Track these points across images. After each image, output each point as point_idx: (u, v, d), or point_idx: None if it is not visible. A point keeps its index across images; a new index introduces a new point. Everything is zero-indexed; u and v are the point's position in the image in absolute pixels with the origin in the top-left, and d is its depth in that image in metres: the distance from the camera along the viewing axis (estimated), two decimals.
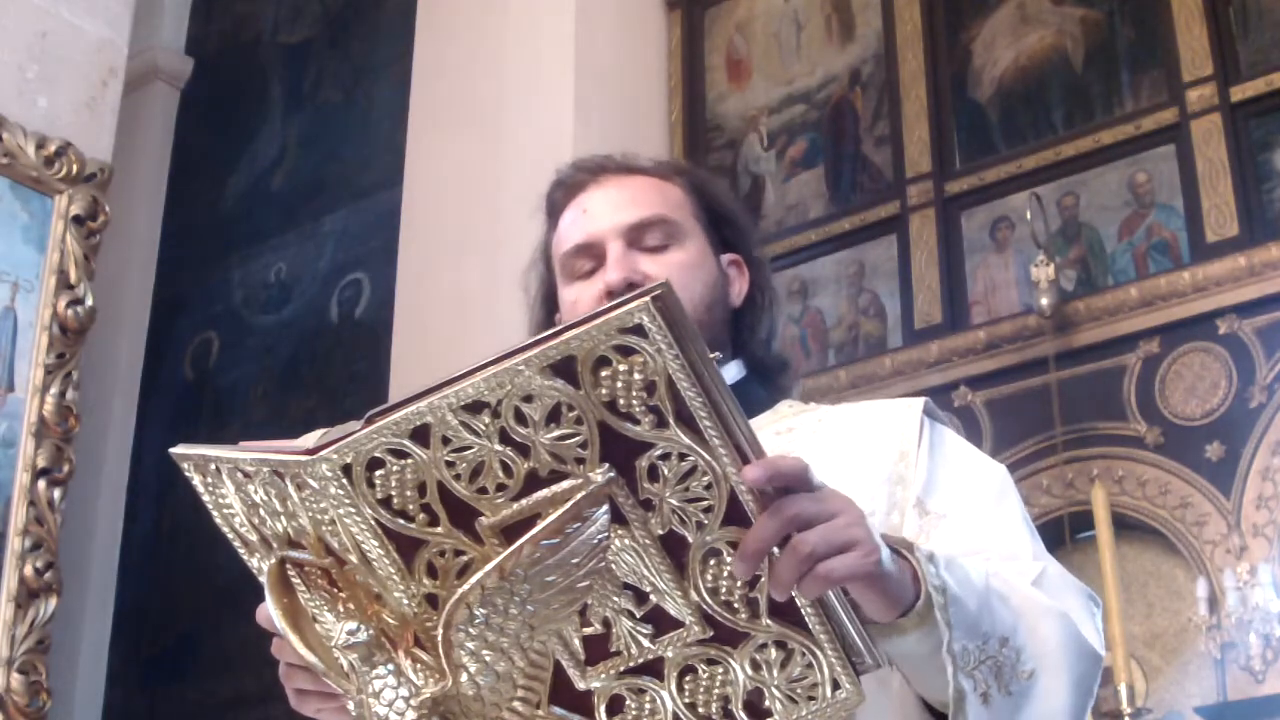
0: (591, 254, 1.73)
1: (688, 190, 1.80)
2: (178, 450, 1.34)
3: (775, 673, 1.28)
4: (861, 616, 1.29)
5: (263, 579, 1.31)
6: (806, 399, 1.85)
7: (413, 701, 1.24)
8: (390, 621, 1.26)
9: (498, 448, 1.19)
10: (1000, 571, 1.47)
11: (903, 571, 1.32)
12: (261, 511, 1.29)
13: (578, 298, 1.73)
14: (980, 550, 1.52)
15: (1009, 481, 1.66)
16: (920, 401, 1.70)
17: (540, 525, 1.18)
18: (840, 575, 1.23)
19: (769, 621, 1.26)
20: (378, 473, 1.20)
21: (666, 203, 1.76)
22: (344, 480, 1.20)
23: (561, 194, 1.81)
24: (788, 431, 1.71)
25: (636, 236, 1.72)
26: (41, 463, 4.02)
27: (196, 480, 1.34)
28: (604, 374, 1.16)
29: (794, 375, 1.88)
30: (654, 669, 1.29)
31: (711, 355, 1.19)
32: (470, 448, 1.19)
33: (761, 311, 1.82)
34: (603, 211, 1.74)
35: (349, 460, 1.20)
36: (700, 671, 1.29)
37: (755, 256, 1.85)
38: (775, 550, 1.22)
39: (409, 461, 1.20)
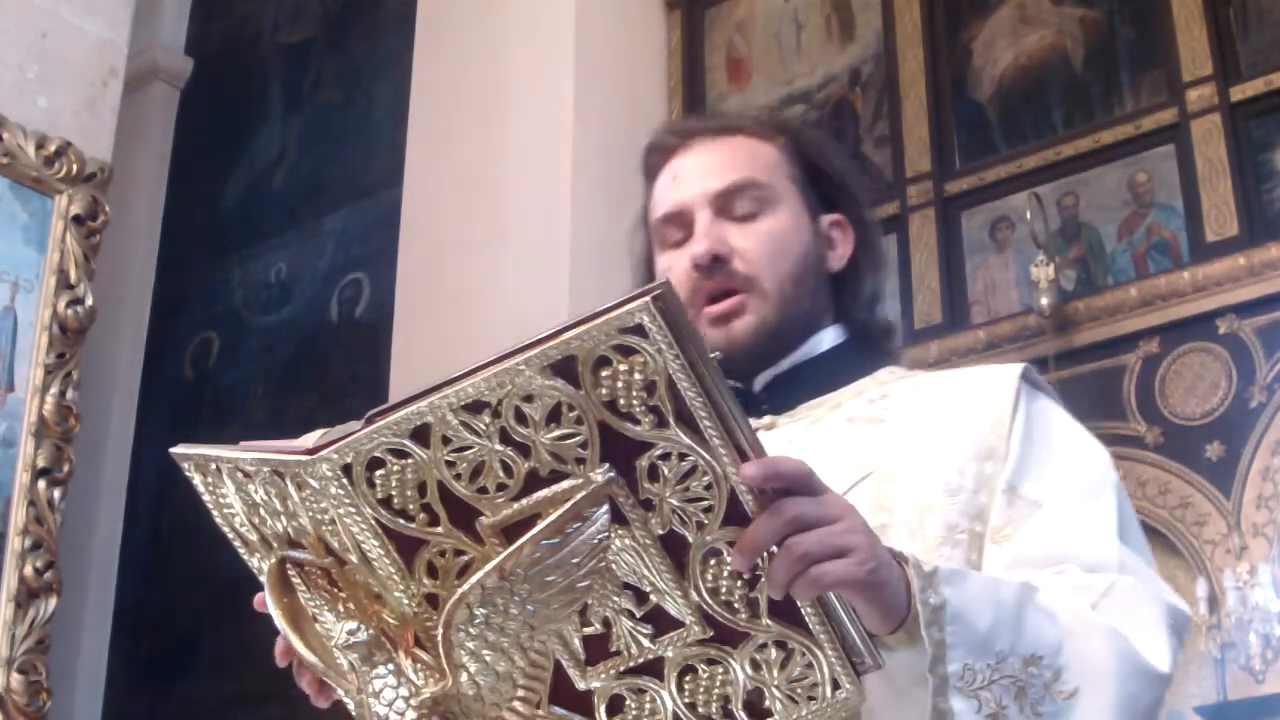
0: (681, 222, 1.70)
1: (787, 150, 1.75)
2: (178, 450, 1.34)
3: (775, 673, 1.28)
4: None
5: (263, 579, 1.31)
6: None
7: (413, 701, 1.24)
8: (390, 621, 1.26)
9: (498, 447, 1.19)
10: (1056, 586, 1.42)
11: (900, 583, 1.30)
12: (262, 511, 1.29)
13: (669, 266, 1.70)
14: (1064, 559, 1.47)
15: (1109, 468, 1.60)
16: (1018, 367, 1.64)
17: (540, 525, 1.18)
18: (832, 580, 1.22)
19: (769, 621, 1.26)
20: (378, 472, 1.20)
21: (759, 166, 1.71)
22: (344, 480, 1.20)
23: (656, 158, 1.77)
24: (881, 399, 1.66)
25: (726, 204, 1.68)
26: (41, 463, 4.02)
27: (197, 480, 1.34)
28: (604, 374, 1.16)
29: (899, 341, 1.83)
30: (654, 669, 1.29)
31: (712, 355, 1.19)
32: (470, 447, 1.19)
33: (864, 274, 1.77)
34: (692, 178, 1.71)
35: (349, 460, 1.20)
36: (700, 671, 1.29)
37: (862, 217, 1.79)
38: (775, 548, 1.22)
39: (409, 461, 1.20)
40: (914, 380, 1.71)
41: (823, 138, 1.95)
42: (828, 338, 1.73)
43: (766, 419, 1.68)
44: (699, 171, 1.71)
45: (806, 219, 1.73)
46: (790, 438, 1.65)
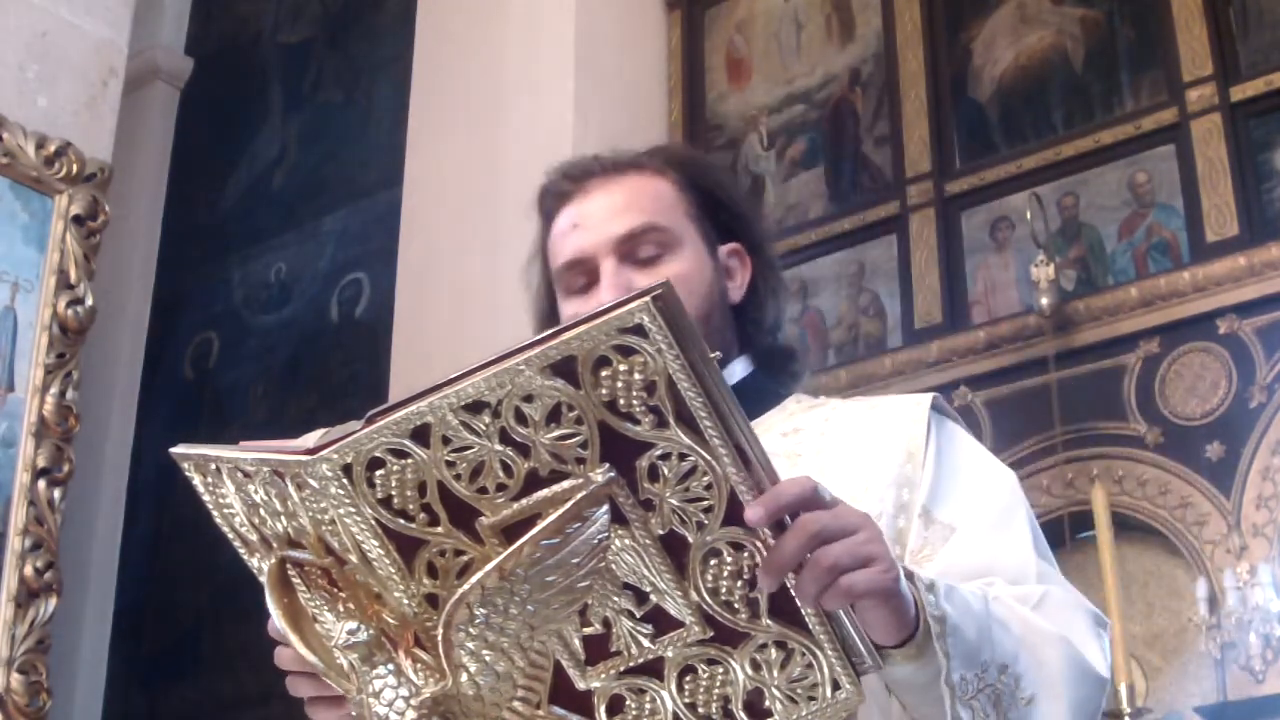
0: (584, 269, 1.69)
1: (681, 185, 1.74)
2: (178, 450, 1.34)
3: (775, 673, 1.28)
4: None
5: (263, 579, 1.31)
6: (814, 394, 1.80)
7: (413, 701, 1.24)
8: (390, 621, 1.26)
9: (498, 447, 1.19)
10: (1002, 597, 1.45)
11: (910, 594, 1.31)
12: (262, 511, 1.29)
13: (575, 314, 1.67)
14: (987, 572, 1.51)
15: (1017, 489, 1.64)
16: (928, 398, 1.67)
17: (540, 525, 1.18)
18: (862, 589, 1.24)
19: (769, 621, 1.26)
20: (378, 472, 1.20)
21: (657, 206, 1.71)
22: (344, 480, 1.20)
23: (551, 202, 1.76)
24: (794, 432, 1.67)
25: (629, 250, 1.68)
26: (41, 463, 4.02)
27: (196, 480, 1.34)
28: (604, 374, 1.16)
29: (803, 362, 1.82)
30: (654, 669, 1.29)
31: (712, 355, 1.19)
32: (470, 447, 1.19)
33: (765, 301, 1.77)
34: (592, 225, 1.70)
35: (349, 460, 1.20)
36: (700, 671, 1.29)
37: (758, 243, 1.79)
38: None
39: (409, 461, 1.20)
40: (823, 411, 1.71)
41: (715, 167, 1.96)
42: (736, 370, 1.73)
43: None
44: (600, 217, 1.70)
45: (706, 254, 1.72)
46: None
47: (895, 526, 1.56)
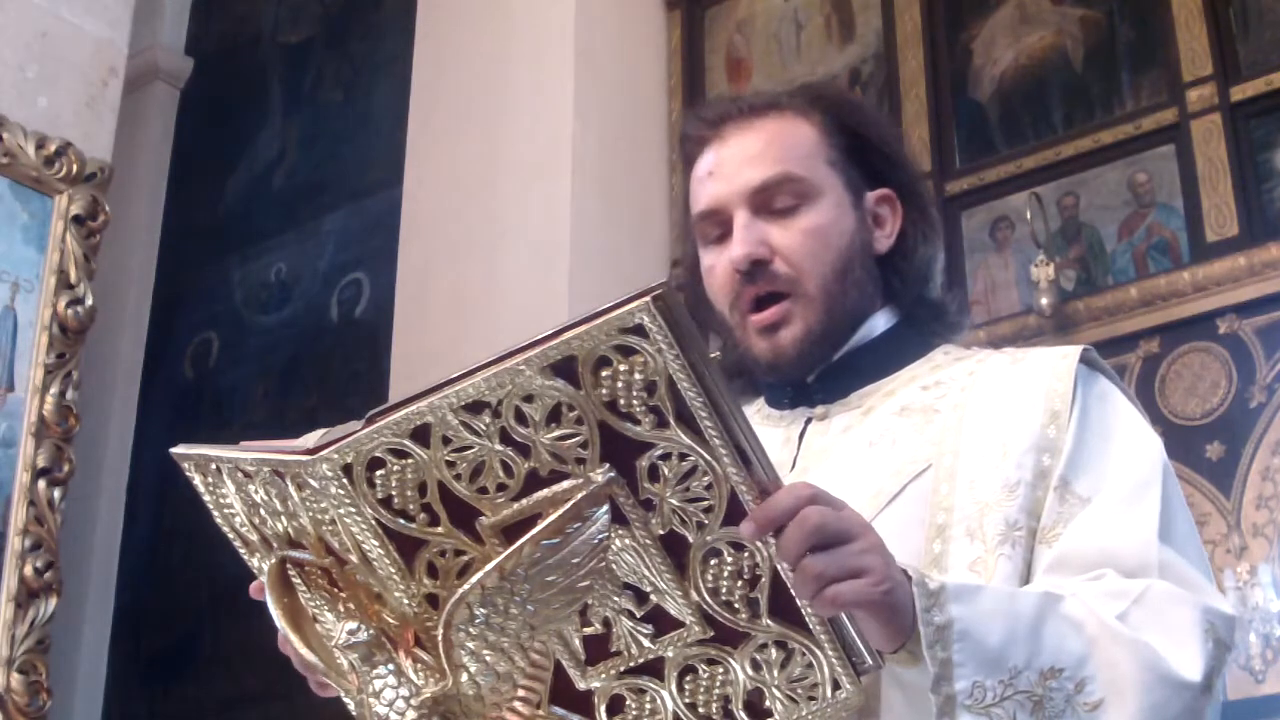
0: (719, 220, 1.65)
1: (824, 128, 1.68)
2: (178, 450, 1.34)
3: (775, 673, 1.28)
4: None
5: (263, 579, 1.31)
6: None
7: (413, 701, 1.24)
8: (391, 621, 1.26)
9: (498, 447, 1.19)
10: (1083, 594, 1.39)
11: (909, 602, 1.29)
12: (262, 511, 1.29)
13: (712, 265, 1.66)
14: (1102, 563, 1.44)
15: (1159, 462, 1.55)
16: (1077, 350, 1.59)
17: (540, 525, 1.18)
18: (846, 601, 1.23)
19: (769, 621, 1.26)
20: (378, 472, 1.20)
21: (795, 154, 1.64)
22: (344, 480, 1.20)
23: (691, 147, 1.71)
24: (935, 385, 1.62)
25: (764, 200, 1.63)
26: (41, 463, 4.02)
27: (197, 480, 1.34)
28: (604, 374, 1.16)
29: (961, 313, 1.74)
30: (654, 669, 1.29)
31: (712, 355, 1.19)
32: (471, 447, 1.19)
33: (914, 250, 1.69)
34: (726, 173, 1.65)
35: (349, 460, 1.20)
36: (700, 671, 1.29)
37: (910, 186, 1.72)
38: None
39: (409, 461, 1.20)
40: (968, 364, 1.65)
41: (864, 105, 1.87)
42: (880, 322, 1.68)
43: (820, 409, 1.65)
44: (734, 165, 1.65)
45: (849, 204, 1.66)
46: (845, 428, 1.62)
47: (1033, 496, 1.49)
